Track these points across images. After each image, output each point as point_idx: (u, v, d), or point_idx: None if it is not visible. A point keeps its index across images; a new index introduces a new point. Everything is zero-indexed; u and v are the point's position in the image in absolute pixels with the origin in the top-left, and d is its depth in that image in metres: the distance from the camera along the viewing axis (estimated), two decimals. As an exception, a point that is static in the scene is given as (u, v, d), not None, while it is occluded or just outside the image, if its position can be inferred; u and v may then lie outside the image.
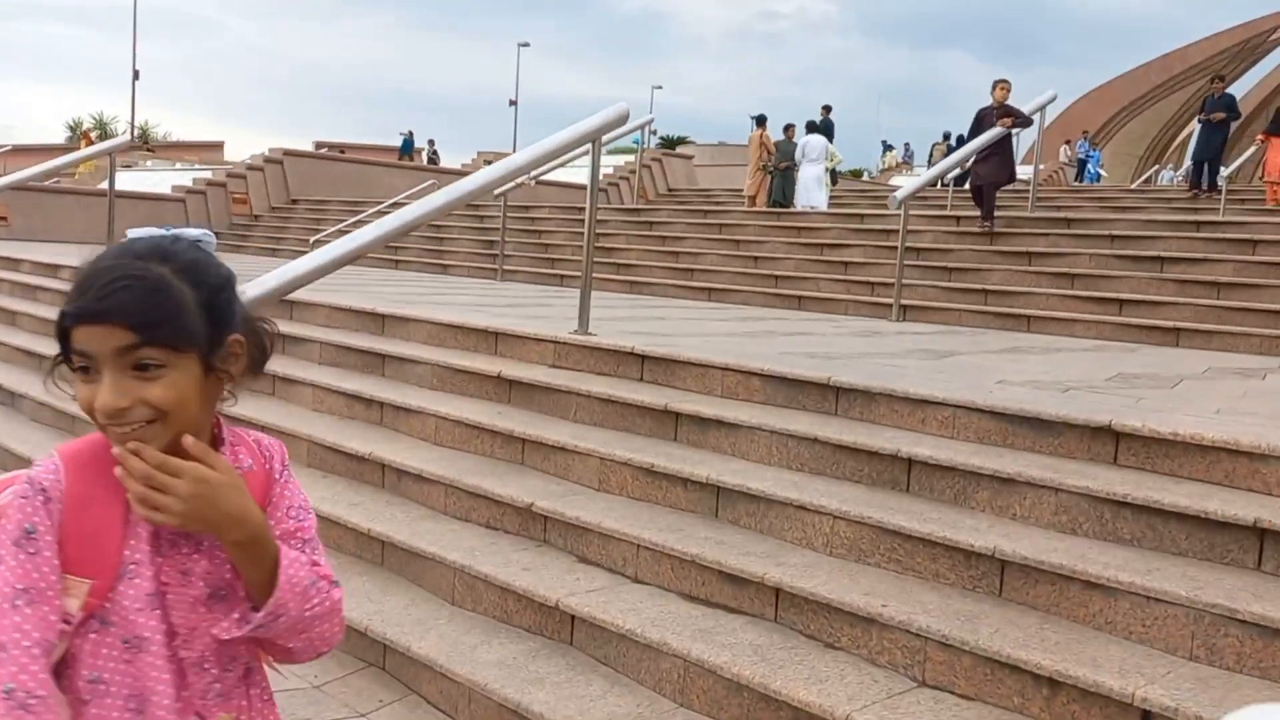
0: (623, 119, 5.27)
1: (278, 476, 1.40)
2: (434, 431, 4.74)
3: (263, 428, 5.17)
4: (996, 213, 9.86)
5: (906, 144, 35.98)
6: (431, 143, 30.35)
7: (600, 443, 4.16)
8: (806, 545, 3.40)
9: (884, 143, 37.21)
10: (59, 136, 38.25)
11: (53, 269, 9.63)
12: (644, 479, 3.91)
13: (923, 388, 3.90)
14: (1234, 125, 13.88)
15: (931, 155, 25.64)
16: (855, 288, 9.47)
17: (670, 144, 41.12)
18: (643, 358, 4.79)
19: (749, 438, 3.97)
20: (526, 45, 48.51)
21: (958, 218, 10.54)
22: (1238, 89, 55.16)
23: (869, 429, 3.84)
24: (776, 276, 10.10)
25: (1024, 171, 25.21)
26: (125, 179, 24.10)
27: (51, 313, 8.46)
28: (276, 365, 6.05)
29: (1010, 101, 9.84)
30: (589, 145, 5.20)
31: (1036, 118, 10.42)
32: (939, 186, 16.62)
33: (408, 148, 29.78)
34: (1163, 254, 8.39)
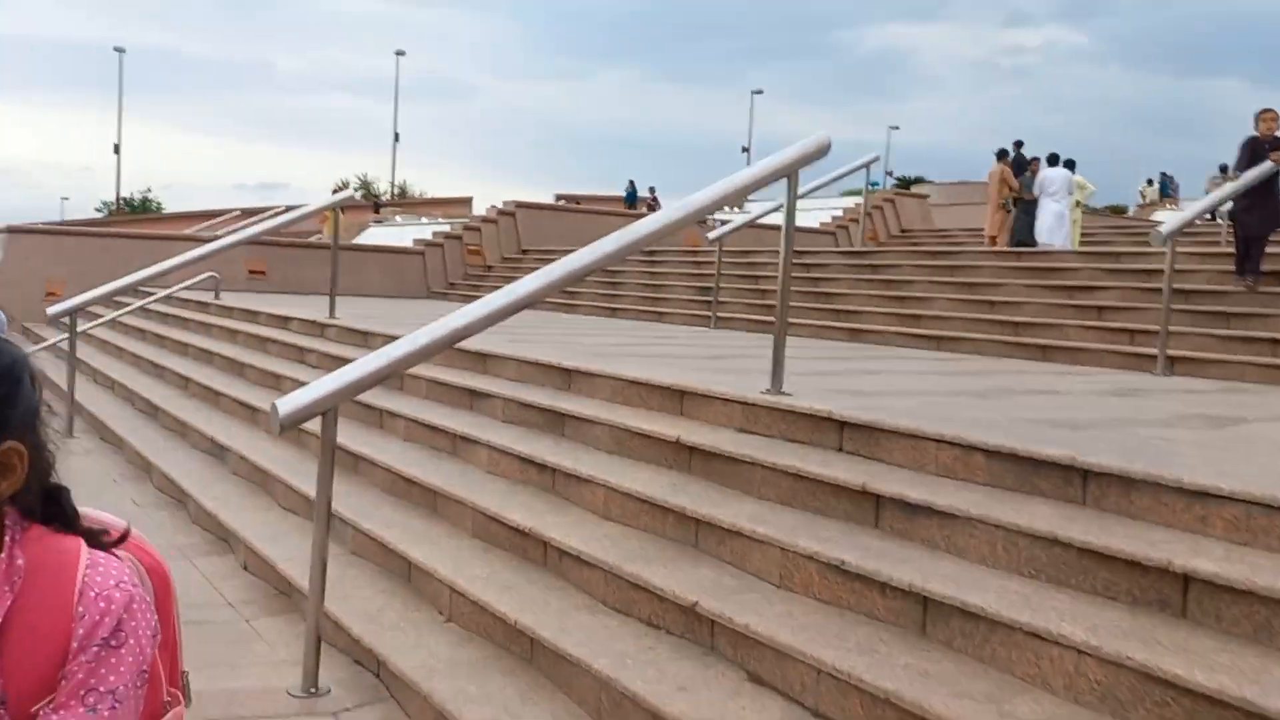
0: (823, 150, 4.61)
1: (86, 645, 1.08)
2: (603, 504, 4.22)
3: (434, 492, 4.85)
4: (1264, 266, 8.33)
5: (1164, 174, 32.71)
6: (652, 190, 30.69)
7: (784, 528, 3.50)
8: (1042, 685, 2.60)
9: (1158, 177, 33.83)
10: (324, 197, 41.56)
11: (284, 321, 9.98)
12: (833, 578, 3.21)
13: (1202, 474, 3.00)
14: None
15: (1207, 191, 22.93)
16: (1110, 335, 8.27)
17: (906, 184, 39.61)
18: (841, 424, 4.09)
19: (967, 532, 3.19)
20: (760, 92, 48.67)
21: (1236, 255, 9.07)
22: None
23: (1129, 528, 2.97)
24: (1016, 323, 9.02)
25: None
26: (376, 233, 25.67)
27: (278, 365, 8.76)
28: (460, 423, 5.81)
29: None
30: (785, 180, 4.57)
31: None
32: (1214, 220, 14.78)
33: (631, 197, 30.27)
34: None
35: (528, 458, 4.74)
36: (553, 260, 15.20)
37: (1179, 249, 8.67)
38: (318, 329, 9.05)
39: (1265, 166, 7.95)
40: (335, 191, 24.62)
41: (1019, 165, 16.41)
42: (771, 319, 11.41)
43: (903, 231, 22.49)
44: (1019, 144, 16.46)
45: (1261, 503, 2.79)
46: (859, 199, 24.12)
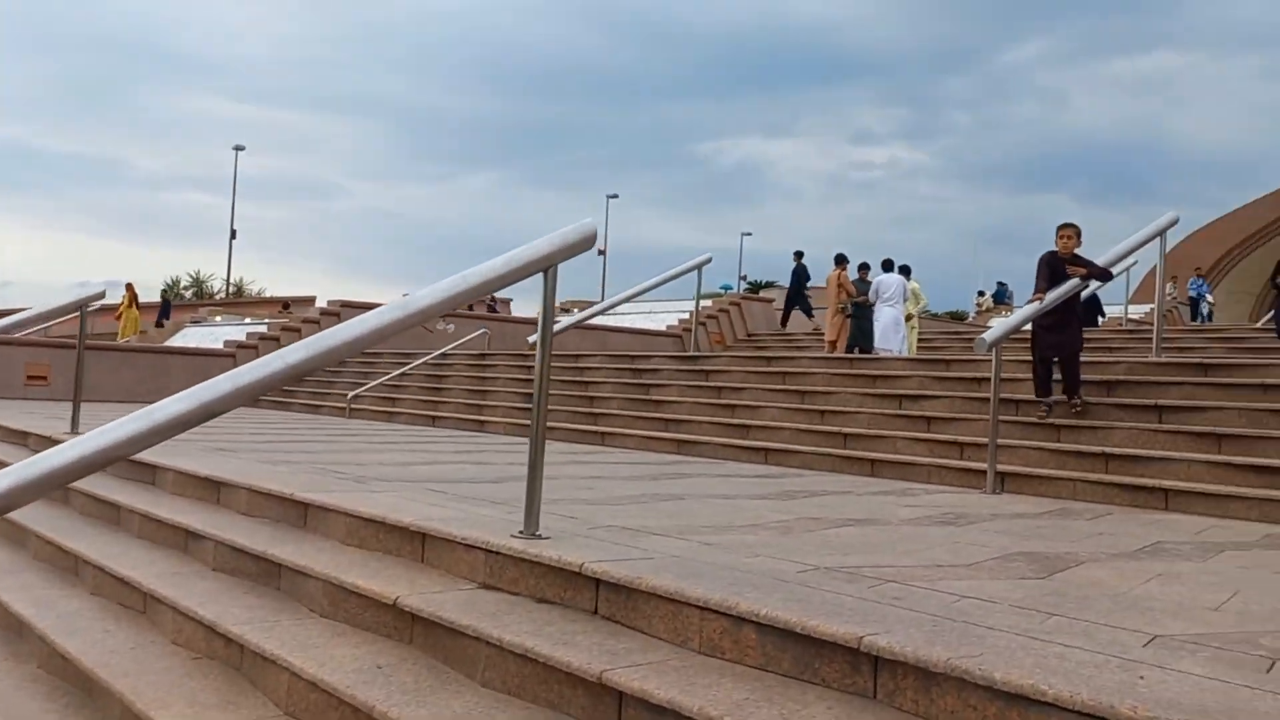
0: (588, 240, 3.86)
1: None
2: (286, 694, 3.22)
3: (88, 676, 3.73)
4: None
5: (1000, 283, 33.86)
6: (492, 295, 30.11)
7: (493, 742, 2.59)
8: None
9: (993, 286, 35.08)
10: (155, 293, 39.24)
11: (22, 435, 8.63)
12: (538, 825, 2.31)
13: (1021, 664, 2.26)
14: None
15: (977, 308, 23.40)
16: (940, 448, 7.76)
17: (756, 289, 40.05)
18: (596, 581, 3.24)
19: (722, 750, 2.35)
20: (615, 197, 48.96)
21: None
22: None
23: (927, 749, 2.19)
24: (845, 434, 8.45)
25: (1135, 310, 23.08)
26: (192, 334, 23.98)
27: None
28: (157, 574, 4.70)
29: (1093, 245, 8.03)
30: (541, 275, 3.79)
31: (1152, 246, 8.75)
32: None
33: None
34: (1339, 407, 6.54)
35: (211, 625, 3.70)
36: (378, 362, 14.00)
37: (1009, 357, 8.32)
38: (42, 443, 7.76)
39: (1070, 284, 7.49)
40: (130, 288, 23.01)
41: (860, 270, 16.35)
42: (598, 429, 10.76)
43: (749, 335, 22.27)
44: (862, 267, 16.45)
45: (1094, 714, 2.05)
46: (708, 302, 23.96)
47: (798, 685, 2.60)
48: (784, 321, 22.19)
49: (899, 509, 5.64)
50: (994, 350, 6.88)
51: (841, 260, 16.40)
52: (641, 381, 11.37)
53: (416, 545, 4.02)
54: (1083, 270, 7.46)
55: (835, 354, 15.87)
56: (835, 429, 8.62)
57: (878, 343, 15.90)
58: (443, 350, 15.10)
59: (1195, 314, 28.80)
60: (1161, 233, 8.38)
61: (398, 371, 14.54)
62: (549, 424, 10.32)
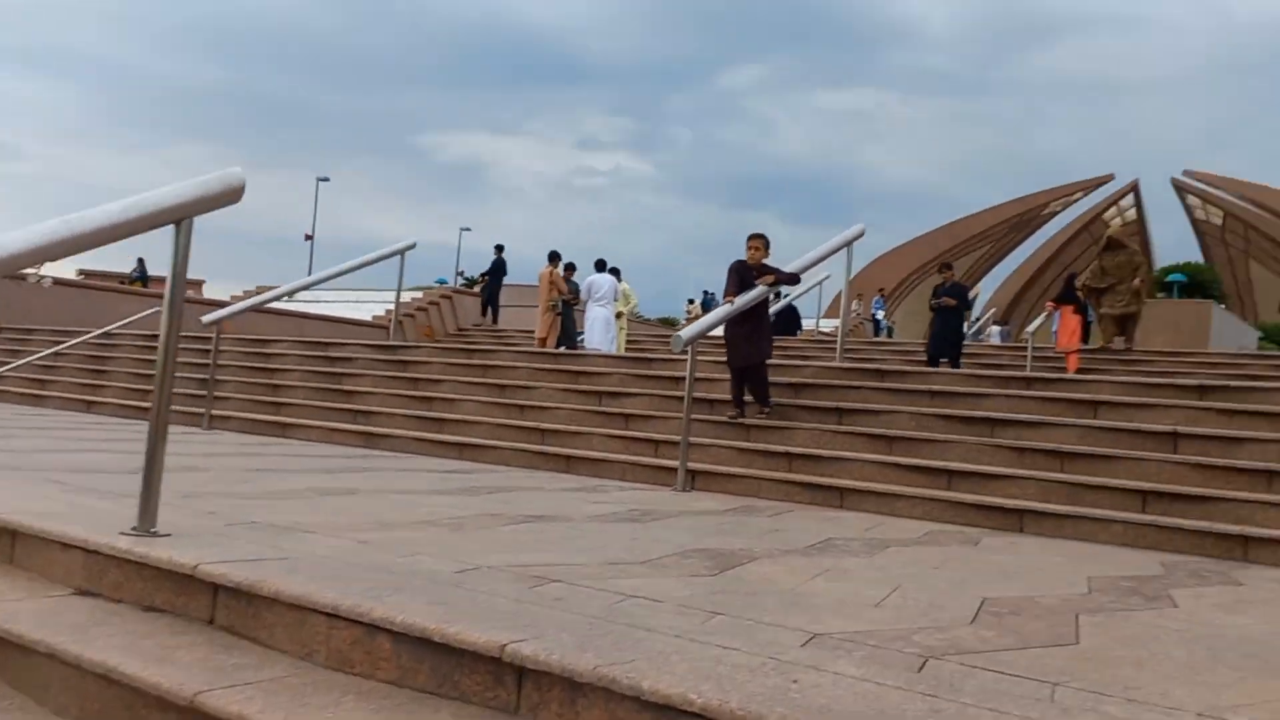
0: (233, 192, 3.34)
1: None
2: None
3: None
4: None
5: (707, 291, 35.37)
6: (141, 261, 28.30)
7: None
8: None
9: (700, 295, 36.56)
10: None
11: None
12: None
13: (671, 670, 2.04)
14: (965, 312, 13.51)
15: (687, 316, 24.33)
16: (636, 445, 7.71)
17: (472, 284, 39.25)
18: (215, 587, 2.75)
19: (326, 786, 1.97)
20: (326, 180, 46.37)
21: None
22: (1015, 257, 59.17)
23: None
24: (543, 430, 8.24)
25: (826, 324, 24.60)
26: None
27: None
28: None
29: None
30: (174, 229, 3.23)
31: (840, 259, 9.20)
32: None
33: (142, 276, 27.41)
34: (993, 415, 7.05)
35: None
36: (32, 339, 12.25)
37: (705, 358, 8.42)
38: None
39: (759, 290, 7.61)
40: None
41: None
42: (279, 419, 9.90)
43: (459, 330, 21.76)
44: (568, 266, 16.40)
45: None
46: (419, 294, 23.18)
47: (433, 701, 2.26)
48: (484, 312, 21.88)
49: (586, 505, 5.45)
50: (689, 349, 6.89)
51: (554, 257, 16.30)
52: (334, 370, 10.65)
53: (5, 544, 3.32)
54: (770, 277, 7.64)
55: (543, 350, 15.77)
56: (534, 424, 8.38)
57: (588, 342, 15.95)
58: (106, 329, 13.54)
59: (877, 330, 31.31)
60: (849, 243, 8.81)
61: (50, 350, 12.86)
62: (221, 412, 9.44)
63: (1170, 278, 26.00)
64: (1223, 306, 27.45)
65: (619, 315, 16.94)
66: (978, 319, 38.59)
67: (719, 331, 7.77)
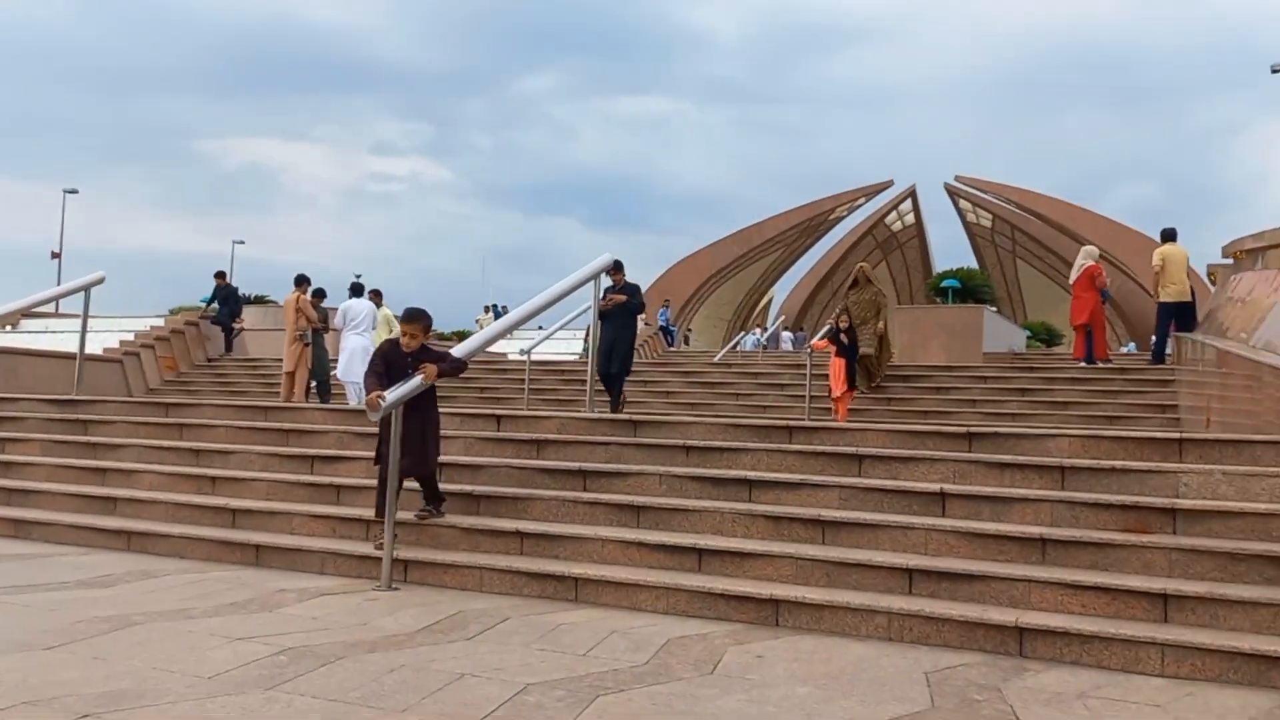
0: None
1: None
2: None
3: None
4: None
5: (498, 304, 34.02)
6: None
7: None
8: None
9: (497, 307, 35.01)
10: None
11: None
12: None
13: None
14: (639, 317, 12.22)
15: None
16: (345, 527, 6.45)
17: (248, 302, 36.20)
18: None
19: None
20: (74, 192, 42.33)
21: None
22: (804, 262, 60.72)
23: None
24: (234, 510, 6.84)
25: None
26: None
27: None
28: None
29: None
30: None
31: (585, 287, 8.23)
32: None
33: None
34: (751, 474, 6.20)
35: None
36: None
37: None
38: None
39: (412, 383, 5.82)
40: None
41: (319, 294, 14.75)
42: None
43: (209, 360, 19.63)
44: (317, 292, 14.81)
45: None
46: (159, 321, 20.82)
47: None
48: (228, 346, 19.98)
49: (218, 650, 4.16)
50: (394, 415, 5.71)
51: (301, 281, 14.68)
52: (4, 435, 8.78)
53: None
54: (432, 369, 5.96)
55: (295, 390, 14.15)
56: (224, 502, 6.96)
57: (342, 374, 14.44)
58: None
59: (670, 340, 30.90)
60: (596, 276, 7.81)
61: None
62: None
63: (945, 283, 26.69)
64: (994, 309, 28.49)
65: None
66: (771, 328, 39.10)
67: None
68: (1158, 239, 15.27)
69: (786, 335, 39.36)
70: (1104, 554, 4.98)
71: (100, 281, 10.42)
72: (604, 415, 7.22)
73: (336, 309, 14.75)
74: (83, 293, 10.00)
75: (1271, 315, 9.74)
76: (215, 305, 20.12)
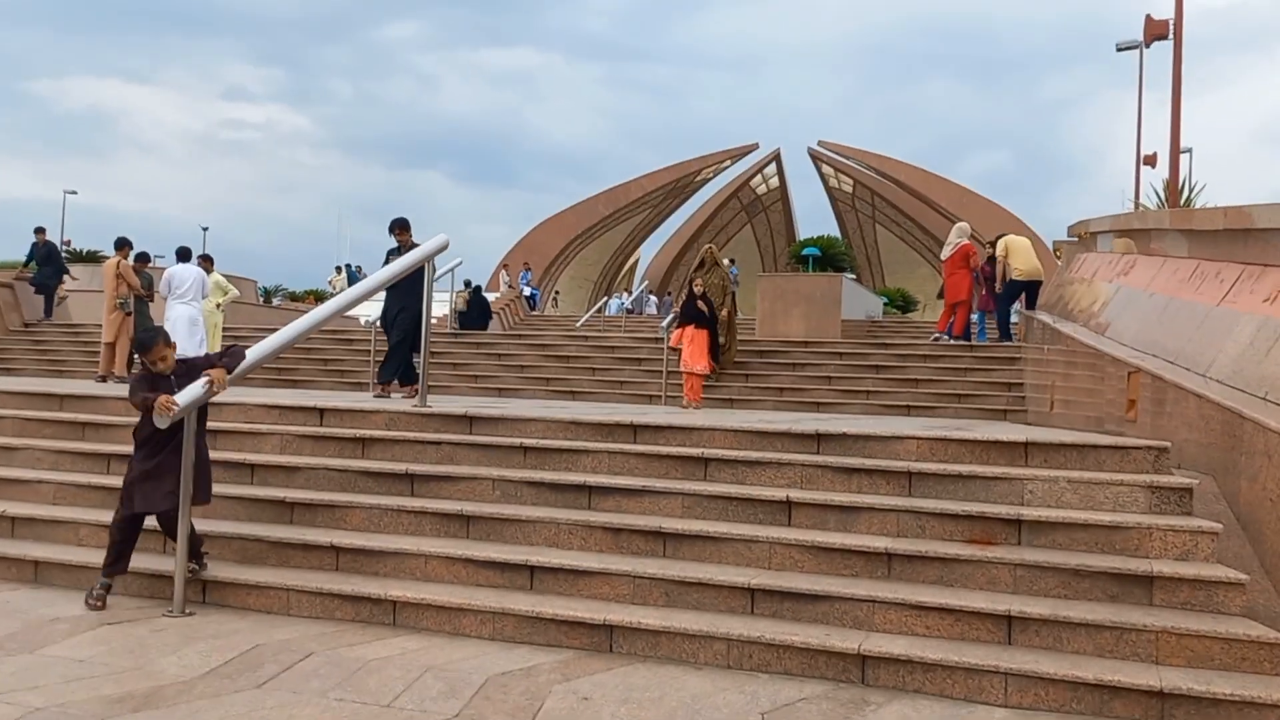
0: None
1: None
2: None
3: None
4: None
5: (351, 264, 32.53)
6: None
7: None
8: None
9: (347, 266, 33.43)
10: None
11: None
12: None
13: None
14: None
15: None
16: (141, 538, 5.77)
17: (80, 257, 33.49)
18: None
19: None
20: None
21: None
22: (672, 222, 60.73)
23: None
24: (13, 519, 6.05)
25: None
26: None
27: None
28: None
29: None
30: None
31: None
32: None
33: None
34: (591, 480, 5.80)
35: None
36: None
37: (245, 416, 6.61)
38: None
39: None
40: None
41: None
42: None
43: (25, 326, 18.06)
44: (140, 256, 13.65)
45: None
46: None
47: None
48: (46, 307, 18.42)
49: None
50: (185, 422, 5.07)
51: (123, 245, 13.51)
52: None
53: None
54: (222, 372, 5.25)
55: (116, 361, 13.04)
56: (0, 508, 6.16)
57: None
58: None
59: (532, 305, 30.30)
60: (430, 257, 7.20)
61: None
62: None
63: (805, 251, 26.83)
64: (853, 277, 28.89)
65: (218, 307, 14.48)
66: (635, 291, 38.84)
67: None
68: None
69: (652, 299, 39.23)
70: (949, 569, 4.80)
71: None
72: (438, 411, 6.68)
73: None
74: None
75: (1114, 301, 9.90)
76: (34, 265, 18.49)
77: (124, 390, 5.93)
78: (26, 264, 18.79)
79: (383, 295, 9.65)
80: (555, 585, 5.04)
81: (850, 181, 58.61)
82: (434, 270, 7.28)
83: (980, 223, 45.12)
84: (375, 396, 8.83)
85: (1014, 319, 15.73)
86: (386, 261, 9.21)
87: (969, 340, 15.01)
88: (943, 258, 15.82)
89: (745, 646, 4.42)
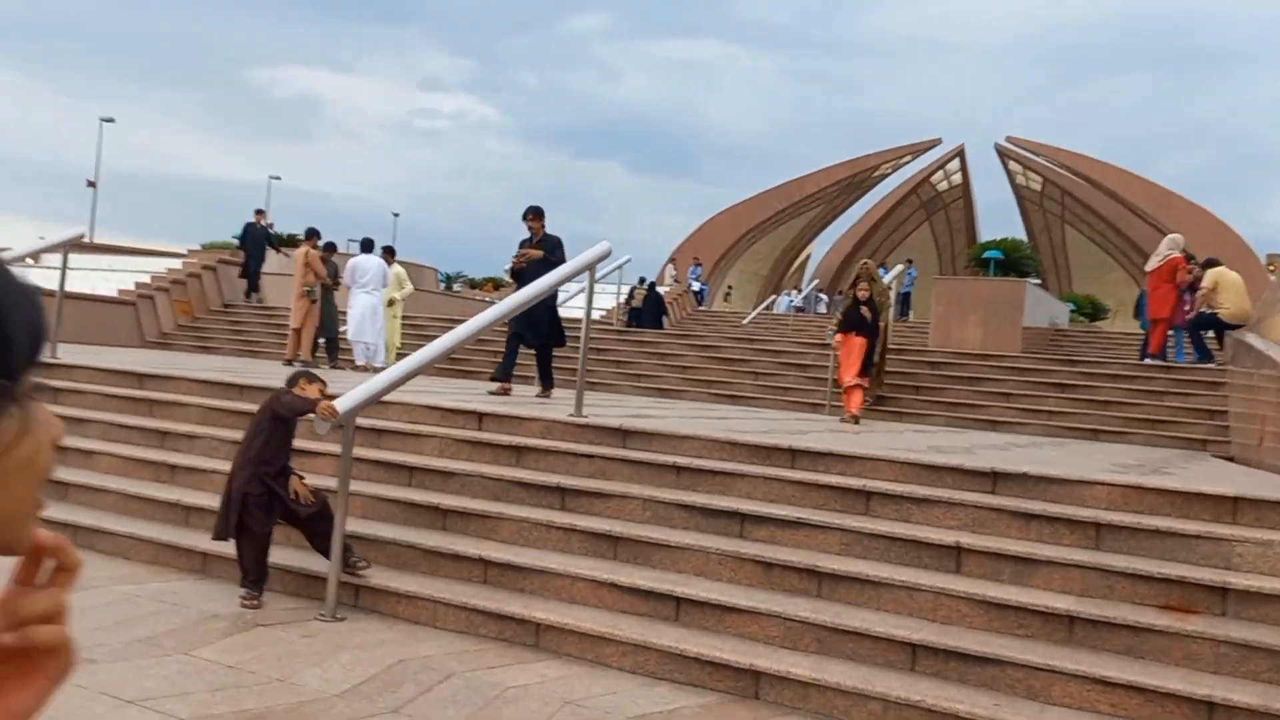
0: None
1: None
2: None
3: None
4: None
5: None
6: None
7: None
8: None
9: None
10: None
11: None
12: None
13: None
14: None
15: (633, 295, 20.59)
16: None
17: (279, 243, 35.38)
18: None
19: None
20: (110, 120, 41.91)
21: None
22: (846, 218, 59.45)
23: None
24: (188, 508, 6.29)
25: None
26: None
27: None
28: None
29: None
30: None
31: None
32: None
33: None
34: (744, 506, 5.55)
35: None
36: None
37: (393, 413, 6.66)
38: None
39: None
40: None
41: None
42: None
43: (224, 306, 19.21)
44: (328, 246, 14.20)
45: None
46: (176, 264, 20.40)
47: None
48: (252, 289, 19.34)
49: (101, 721, 3.61)
50: (349, 426, 5.12)
51: (312, 235, 14.13)
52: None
53: None
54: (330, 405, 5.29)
55: (302, 345, 13.64)
56: (179, 496, 6.42)
57: (352, 334, 13.95)
58: None
59: (700, 300, 30.14)
60: (591, 266, 7.08)
61: None
62: None
63: (986, 254, 25.58)
64: (1037, 282, 27.38)
65: (391, 303, 14.91)
66: (805, 289, 38.14)
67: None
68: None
69: (822, 298, 38.45)
70: (1140, 639, 4.31)
71: (80, 238, 9.86)
72: (592, 422, 6.56)
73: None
74: (64, 249, 9.40)
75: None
76: (247, 246, 19.24)
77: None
78: (241, 245, 19.62)
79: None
80: (701, 619, 4.82)
81: (1039, 179, 55.81)
82: (594, 276, 7.16)
83: (1182, 228, 42.04)
84: (490, 394, 8.71)
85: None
86: (518, 251, 9.03)
87: (1164, 360, 13.86)
88: (1147, 269, 14.63)
89: (904, 710, 4.08)
